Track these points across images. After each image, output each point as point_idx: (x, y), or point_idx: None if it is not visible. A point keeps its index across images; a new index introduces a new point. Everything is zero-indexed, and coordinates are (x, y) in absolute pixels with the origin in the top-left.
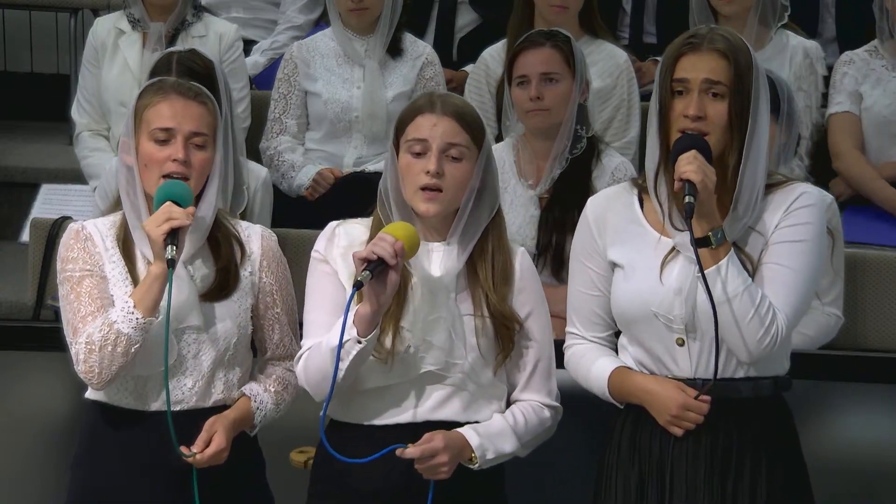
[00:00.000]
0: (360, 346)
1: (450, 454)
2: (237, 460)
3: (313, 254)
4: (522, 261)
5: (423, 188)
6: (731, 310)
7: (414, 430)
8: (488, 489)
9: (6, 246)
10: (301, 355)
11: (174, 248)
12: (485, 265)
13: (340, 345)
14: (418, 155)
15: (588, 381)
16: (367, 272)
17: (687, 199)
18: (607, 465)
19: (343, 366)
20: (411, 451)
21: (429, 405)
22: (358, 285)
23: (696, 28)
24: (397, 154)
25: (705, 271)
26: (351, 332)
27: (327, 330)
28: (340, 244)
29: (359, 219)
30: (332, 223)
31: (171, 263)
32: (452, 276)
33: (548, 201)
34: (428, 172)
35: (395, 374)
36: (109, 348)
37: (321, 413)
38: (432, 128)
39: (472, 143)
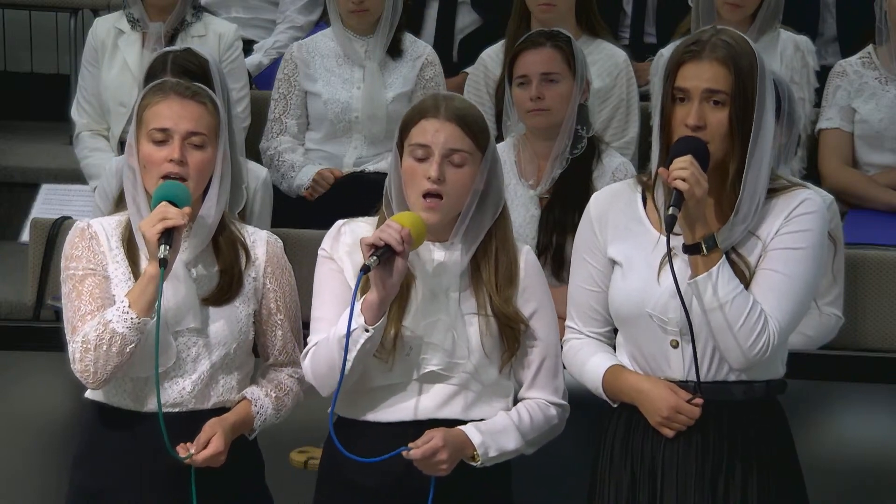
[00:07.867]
0: (368, 334)
1: (449, 452)
2: (236, 461)
3: (320, 252)
4: (527, 259)
5: (425, 194)
6: (723, 316)
7: (418, 428)
8: (495, 486)
9: (6, 246)
10: (308, 351)
11: (167, 247)
12: (488, 266)
13: (349, 334)
14: (421, 160)
15: (582, 377)
16: (375, 258)
17: (671, 209)
18: (601, 465)
19: (350, 356)
20: (414, 453)
21: (433, 404)
22: (365, 269)
23: (700, 32)
24: (401, 156)
25: (696, 278)
26: (359, 321)
27: (333, 325)
28: (346, 242)
29: (365, 217)
30: (339, 222)
31: (164, 263)
32: (454, 277)
33: (548, 201)
34: (429, 178)
35: (398, 374)
36: (104, 347)
37: (329, 409)
38: (435, 133)
39: (474, 149)
